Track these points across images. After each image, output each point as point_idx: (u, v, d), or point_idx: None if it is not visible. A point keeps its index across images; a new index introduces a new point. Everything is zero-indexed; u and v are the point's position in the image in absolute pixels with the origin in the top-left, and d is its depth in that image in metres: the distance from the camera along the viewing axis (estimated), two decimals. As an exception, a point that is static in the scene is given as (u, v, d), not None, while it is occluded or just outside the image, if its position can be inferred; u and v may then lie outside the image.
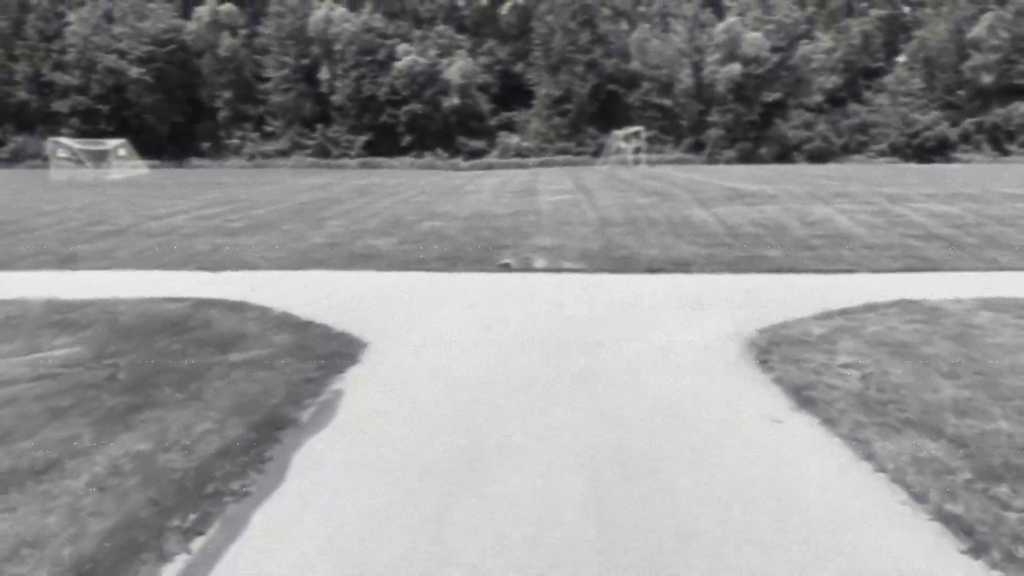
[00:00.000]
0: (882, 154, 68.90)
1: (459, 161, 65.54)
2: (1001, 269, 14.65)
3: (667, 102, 67.91)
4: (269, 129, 68.21)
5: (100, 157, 48.25)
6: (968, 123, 71.07)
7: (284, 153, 66.80)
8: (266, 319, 9.04)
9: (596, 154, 61.34)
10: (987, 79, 71.23)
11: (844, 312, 9.33)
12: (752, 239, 19.66)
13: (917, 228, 20.75)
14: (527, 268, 16.08)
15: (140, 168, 50.88)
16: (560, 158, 65.06)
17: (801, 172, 43.57)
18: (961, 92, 72.50)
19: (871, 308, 9.55)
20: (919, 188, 28.06)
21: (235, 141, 68.08)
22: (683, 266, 16.32)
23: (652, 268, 14.65)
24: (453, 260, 17.17)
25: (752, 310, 9.92)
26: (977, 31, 73.17)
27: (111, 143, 50.16)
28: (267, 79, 68.57)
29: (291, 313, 9.45)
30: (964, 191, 26.92)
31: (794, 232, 20.58)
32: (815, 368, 6.57)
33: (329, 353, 7.60)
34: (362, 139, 67.34)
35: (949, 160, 67.01)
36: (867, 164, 63.40)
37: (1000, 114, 70.43)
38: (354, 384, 6.94)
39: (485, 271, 14.71)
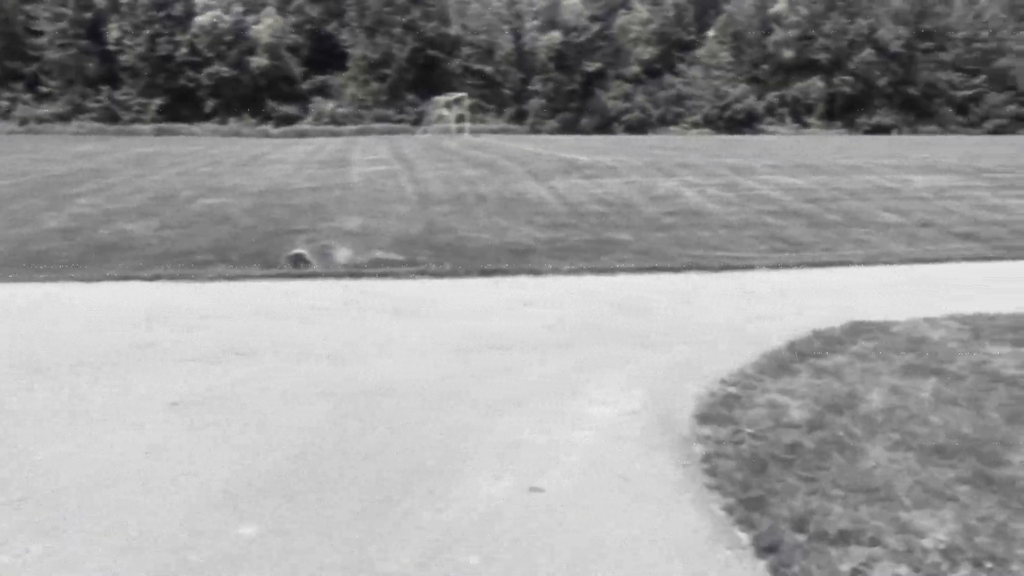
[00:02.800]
0: (695, 125, 68.68)
1: (269, 128, 59.04)
2: (878, 260, 11.73)
3: (488, 69, 64.16)
4: (44, 90, 58.45)
5: None
6: (772, 96, 72.14)
7: (63, 117, 57.41)
8: None
9: (417, 122, 56.77)
10: (788, 54, 72.43)
11: (798, 353, 5.74)
12: (597, 218, 16.25)
13: (772, 203, 18.08)
14: (325, 262, 11.88)
15: None
16: (379, 125, 59.93)
17: (629, 142, 41.16)
18: (765, 66, 73.47)
19: (827, 342, 6.03)
20: (758, 159, 25.83)
21: (3, 103, 57.89)
22: (523, 256, 12.61)
23: (488, 265, 10.65)
24: (225, 251, 12.63)
25: (650, 353, 6.15)
26: (778, 7, 74.25)
27: None
28: (40, 33, 58.59)
29: None
30: (805, 162, 24.90)
31: (642, 210, 17.37)
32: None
33: None
34: (157, 103, 59.13)
35: (756, 132, 67.64)
36: (682, 135, 62.63)
37: (800, 88, 71.88)
38: None
39: (263, 274, 10.18)
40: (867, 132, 66.58)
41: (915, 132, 66.91)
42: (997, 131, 67.05)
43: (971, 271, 10.48)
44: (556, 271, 9.53)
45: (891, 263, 10.59)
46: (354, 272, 10.04)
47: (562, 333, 6.46)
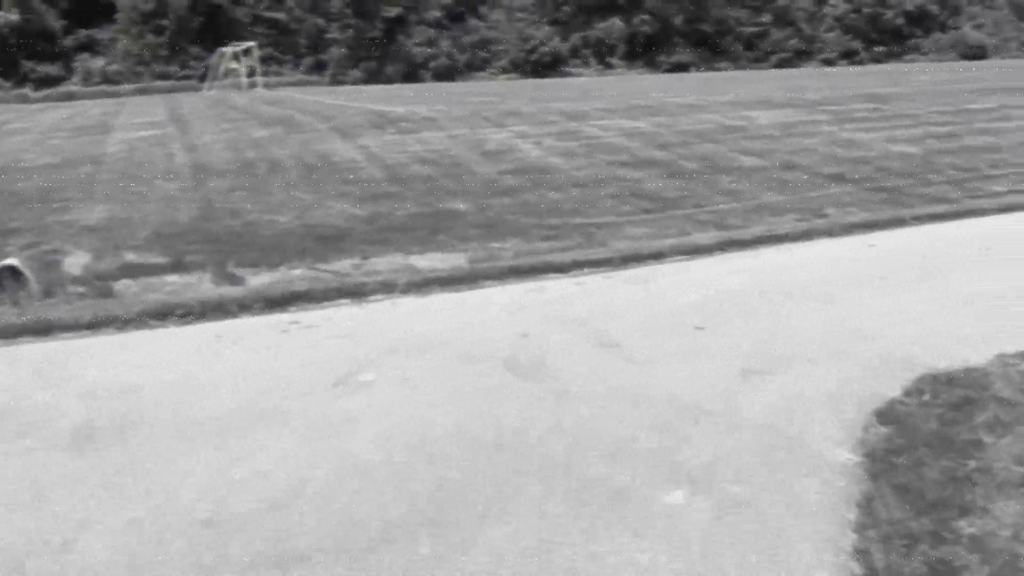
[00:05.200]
0: (503, 70, 65.81)
1: (28, 91, 50.02)
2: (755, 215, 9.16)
3: (280, 16, 57.80)
4: None
5: None
6: (576, 38, 70.36)
7: None
8: None
9: (203, 77, 49.97)
10: (588, -5, 70.68)
11: (926, 502, 2.67)
12: (424, 184, 12.93)
13: (620, 152, 15.39)
14: (49, 277, 7.99)
15: None
16: (162, 84, 52.35)
17: (441, 90, 37.55)
18: (567, 8, 71.43)
19: (935, 448, 3.03)
20: (586, 103, 23.19)
21: None
22: (336, 243, 9.26)
23: (284, 273, 7.06)
24: None
25: (632, 549, 2.93)
26: (575, -53, 72.04)
27: None
28: None
29: None
30: (638, 103, 22.50)
31: (476, 169, 14.16)
32: None
33: None
34: None
35: (563, 74, 65.72)
36: (492, 81, 59.63)
37: (602, 28, 70.54)
38: None
39: None
40: (667, 70, 66.29)
41: (711, 69, 67.40)
42: (781, 65, 68.85)
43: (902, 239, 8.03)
44: (388, 289, 6.05)
45: (832, 234, 7.94)
46: (41, 327, 5.83)
47: (423, 495, 2.99)
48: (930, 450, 3.09)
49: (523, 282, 6.34)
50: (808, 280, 6.19)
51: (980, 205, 9.85)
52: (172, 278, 8.36)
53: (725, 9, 70.20)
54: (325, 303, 5.78)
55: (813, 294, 5.78)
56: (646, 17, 68.08)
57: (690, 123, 18.63)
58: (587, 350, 4.71)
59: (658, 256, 7.15)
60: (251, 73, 45.00)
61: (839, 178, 13.31)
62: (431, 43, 62.44)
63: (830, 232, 7.73)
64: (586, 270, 6.68)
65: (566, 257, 7.08)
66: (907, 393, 3.58)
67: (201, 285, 8.20)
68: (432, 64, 61.82)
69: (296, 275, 8.36)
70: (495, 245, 9.57)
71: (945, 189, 12.61)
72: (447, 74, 61.68)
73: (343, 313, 5.56)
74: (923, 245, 7.44)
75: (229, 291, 6.40)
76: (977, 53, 64.58)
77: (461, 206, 11.52)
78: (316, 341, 4.97)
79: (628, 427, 3.60)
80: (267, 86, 44.12)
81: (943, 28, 68.99)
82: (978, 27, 68.41)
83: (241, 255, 9.01)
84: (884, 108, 20.39)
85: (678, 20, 68.86)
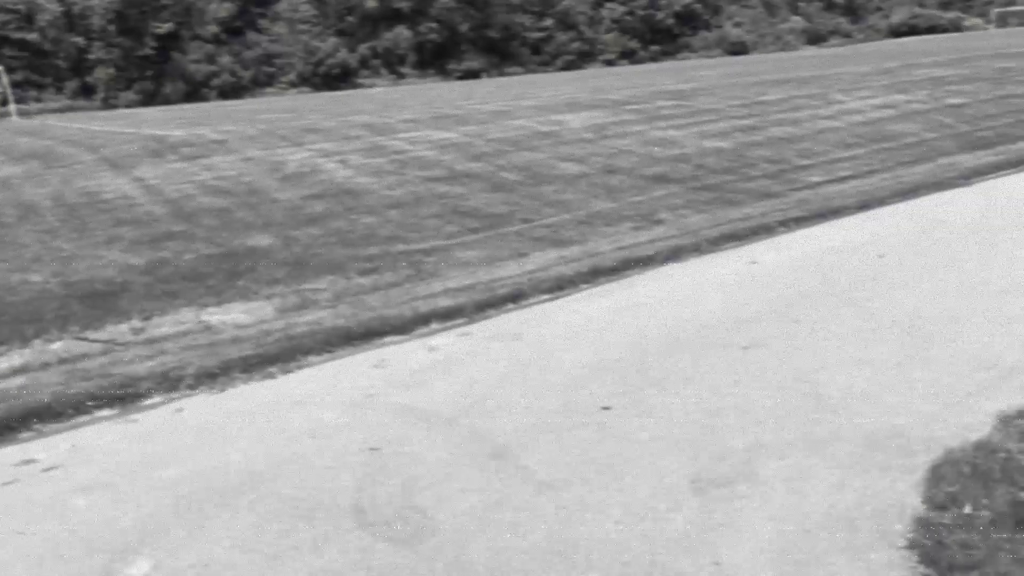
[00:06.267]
0: (292, 85, 62.82)
1: None
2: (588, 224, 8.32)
3: (32, 36, 51.44)
4: None
5: None
6: (364, 48, 68.45)
7: None
8: None
9: (-58, 109, 43.36)
10: (371, 4, 68.94)
11: None
12: (216, 218, 11.13)
13: (434, 167, 14.23)
14: None
15: None
16: None
17: (227, 109, 34.55)
18: (351, 18, 69.36)
19: None
20: (391, 114, 21.76)
21: None
22: (109, 301, 7.46)
23: (35, 369, 5.17)
24: None
25: None
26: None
27: None
28: None
29: None
30: (443, 112, 21.38)
31: (276, 196, 12.51)
32: None
33: None
34: None
35: (354, 86, 63.73)
36: (281, 96, 56.55)
37: (389, 38, 69.10)
38: None
39: None
40: (460, 78, 65.93)
41: (501, 74, 67.79)
42: (567, 67, 70.57)
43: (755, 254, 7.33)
44: (171, 385, 4.34)
45: (702, 251, 7.05)
46: None
47: None
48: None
49: (356, 351, 4.80)
50: (707, 319, 5.12)
51: (835, 204, 9.48)
52: None
53: (510, 15, 70.91)
54: (77, 419, 3.90)
55: (724, 340, 4.70)
56: (433, 25, 67.27)
57: (501, 131, 17.72)
58: (470, 470, 3.20)
59: (517, 297, 5.88)
60: (3, 101, 39.46)
61: (663, 179, 12.89)
62: (210, 59, 58.22)
63: (699, 248, 6.86)
64: (433, 325, 5.25)
65: (405, 308, 5.68)
66: (934, 504, 2.55)
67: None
68: (214, 82, 57.68)
69: (56, 350, 6.45)
70: (309, 287, 8.08)
71: (767, 183, 12.47)
72: (232, 92, 57.79)
73: (104, 436, 3.71)
74: (811, 257, 6.72)
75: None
76: (739, 49, 69.40)
77: (263, 241, 9.89)
78: (58, 498, 3.11)
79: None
80: (23, 115, 38.84)
81: (708, 27, 73.63)
82: (738, 25, 73.62)
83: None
84: (686, 104, 20.51)
85: (465, 27, 68.66)
